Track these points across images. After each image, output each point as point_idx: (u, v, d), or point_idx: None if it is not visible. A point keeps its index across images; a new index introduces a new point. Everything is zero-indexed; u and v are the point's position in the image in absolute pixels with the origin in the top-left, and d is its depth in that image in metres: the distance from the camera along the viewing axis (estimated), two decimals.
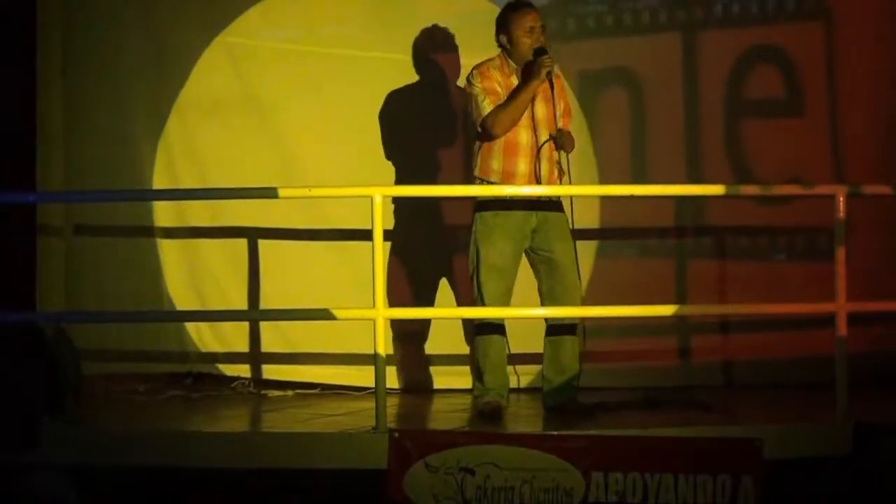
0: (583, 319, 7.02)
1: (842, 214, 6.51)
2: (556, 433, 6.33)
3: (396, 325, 7.87)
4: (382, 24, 8.19)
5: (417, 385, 8.03)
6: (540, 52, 6.85)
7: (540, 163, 6.89)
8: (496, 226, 6.89)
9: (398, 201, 7.81)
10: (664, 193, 7.62)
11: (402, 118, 8.05)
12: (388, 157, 8.01)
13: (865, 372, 7.03)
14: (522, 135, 6.89)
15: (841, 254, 6.49)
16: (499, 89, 6.89)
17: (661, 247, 8.13)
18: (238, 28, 8.25)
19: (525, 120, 6.88)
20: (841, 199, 6.52)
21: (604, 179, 7.98)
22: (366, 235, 6.47)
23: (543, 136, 6.89)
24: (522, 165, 6.89)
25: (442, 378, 8.03)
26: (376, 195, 6.36)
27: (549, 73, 6.83)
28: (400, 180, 7.97)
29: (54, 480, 6.15)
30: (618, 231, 8.02)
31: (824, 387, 6.64)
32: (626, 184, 7.78)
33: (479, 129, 6.92)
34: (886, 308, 7.08)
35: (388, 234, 7.71)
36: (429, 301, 7.95)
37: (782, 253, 8.07)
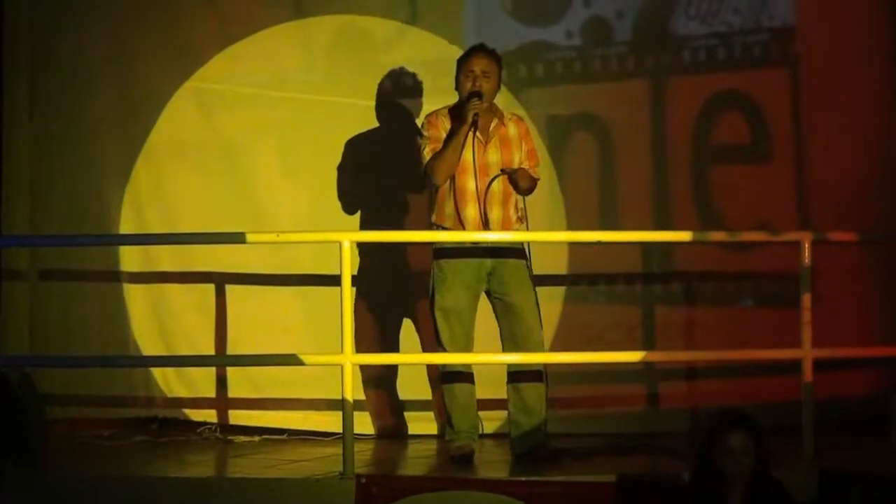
0: (545, 365, 7.01)
1: (807, 261, 6.55)
2: (523, 479, 6.32)
3: (367, 370, 7.86)
4: (349, 71, 8.20)
5: (391, 431, 8.00)
6: (472, 95, 6.82)
7: (488, 207, 6.88)
8: (450, 272, 6.90)
9: (363, 247, 7.80)
10: (632, 239, 7.64)
11: (367, 163, 8.06)
12: (354, 202, 8.00)
13: (832, 417, 7.05)
14: (469, 181, 6.88)
15: (807, 300, 6.52)
16: (443, 136, 6.90)
17: (629, 292, 8.13)
18: (206, 73, 8.26)
19: (470, 165, 6.87)
20: (806, 245, 6.56)
21: (572, 225, 7.99)
22: (334, 280, 6.46)
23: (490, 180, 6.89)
24: (471, 211, 6.89)
25: (416, 424, 8.00)
26: (344, 240, 6.38)
27: (475, 116, 6.78)
28: (364, 226, 7.96)
29: None
30: (585, 277, 8.03)
31: (791, 432, 6.65)
32: (594, 229, 7.80)
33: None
34: (852, 354, 7.12)
35: (353, 280, 7.73)
36: (394, 346, 7.93)
37: (749, 299, 8.09)
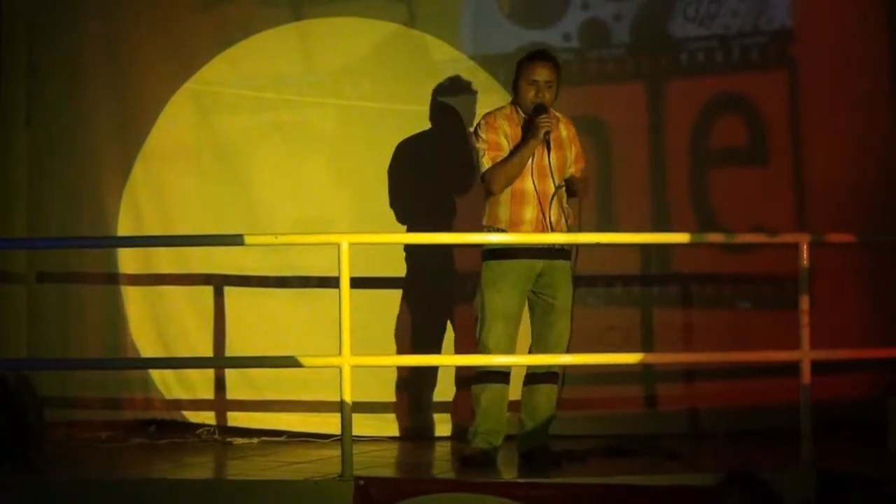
0: (563, 366, 7.03)
1: (805, 262, 6.55)
2: (521, 481, 6.32)
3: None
4: (348, 73, 8.21)
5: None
6: (539, 109, 6.83)
7: (549, 210, 6.90)
8: (502, 274, 6.89)
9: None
10: (630, 241, 7.65)
11: (355, 165, 8.07)
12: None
13: (830, 419, 7.06)
14: (529, 183, 6.89)
15: (805, 302, 6.53)
16: (503, 141, 6.89)
17: (628, 294, 8.14)
18: (204, 76, 8.26)
19: (528, 169, 6.86)
20: (804, 247, 6.56)
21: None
22: (333, 282, 6.46)
23: (553, 184, 6.90)
24: (530, 213, 6.90)
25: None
26: (343, 242, 6.37)
27: (546, 134, 6.80)
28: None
29: None
30: (584, 278, 8.02)
31: (789, 434, 6.66)
32: (592, 231, 7.79)
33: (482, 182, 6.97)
34: (850, 356, 7.12)
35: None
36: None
37: (747, 301, 8.10)
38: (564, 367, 7.04)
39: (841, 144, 8.00)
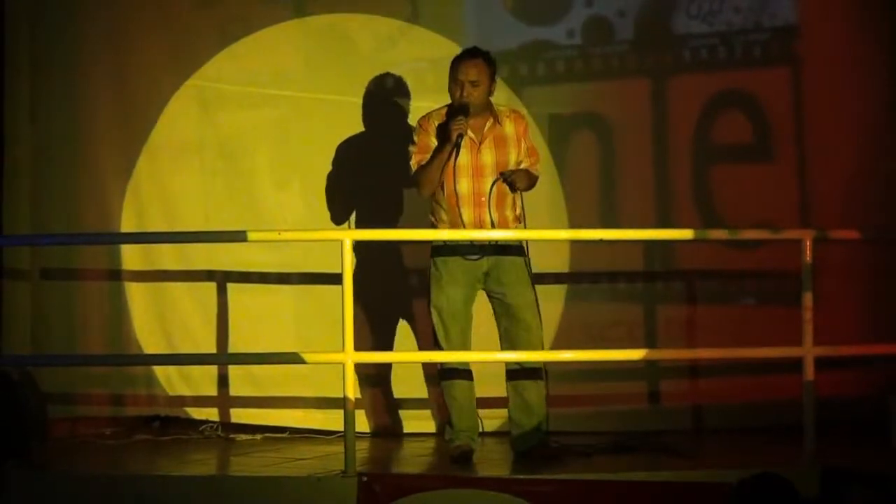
0: (545, 363, 7.00)
1: (809, 259, 6.55)
2: (524, 477, 6.32)
3: (362, 368, 7.87)
4: (350, 69, 8.20)
5: (386, 429, 8.00)
6: (457, 111, 6.79)
7: (485, 209, 6.87)
8: (445, 271, 6.90)
9: (356, 245, 7.80)
10: (634, 237, 7.64)
11: (364, 162, 8.06)
12: (350, 201, 8.01)
13: (833, 416, 7.06)
14: (464, 184, 6.86)
15: (808, 298, 6.52)
16: (433, 142, 6.88)
17: (631, 291, 8.14)
18: (207, 72, 8.27)
19: (465, 169, 6.85)
20: (808, 243, 6.56)
21: (573, 223, 7.99)
22: (335, 279, 6.46)
23: (490, 183, 6.87)
24: (466, 214, 6.88)
25: (411, 422, 8.01)
26: (346, 239, 6.38)
27: (459, 137, 6.76)
28: (360, 225, 7.97)
29: None
30: (587, 275, 8.03)
31: (792, 430, 6.66)
32: (595, 228, 7.79)
33: None
34: (854, 353, 7.12)
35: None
36: (388, 345, 7.93)
37: (751, 297, 8.09)
38: (546, 364, 7.01)
39: (845, 141, 7.99)
